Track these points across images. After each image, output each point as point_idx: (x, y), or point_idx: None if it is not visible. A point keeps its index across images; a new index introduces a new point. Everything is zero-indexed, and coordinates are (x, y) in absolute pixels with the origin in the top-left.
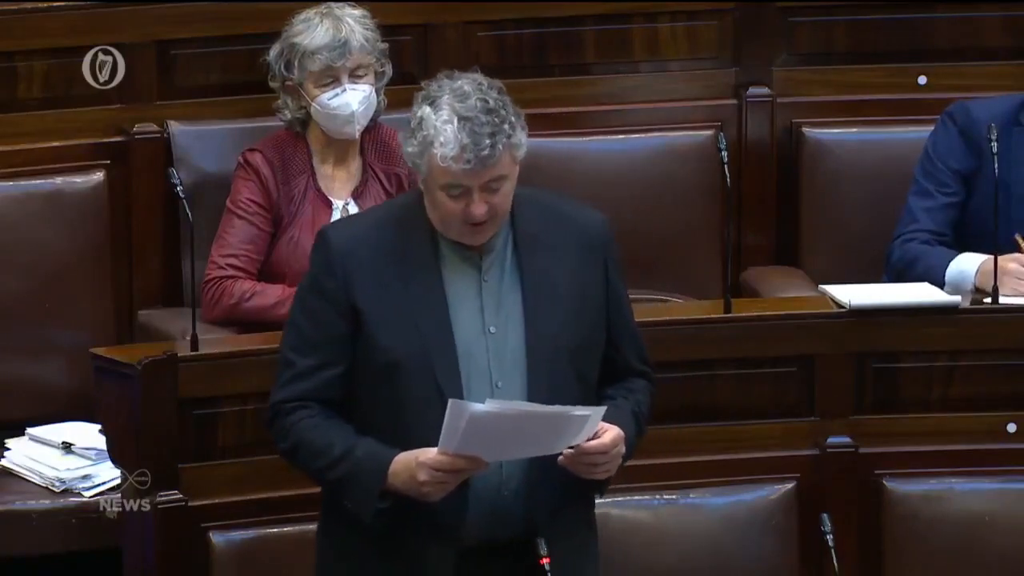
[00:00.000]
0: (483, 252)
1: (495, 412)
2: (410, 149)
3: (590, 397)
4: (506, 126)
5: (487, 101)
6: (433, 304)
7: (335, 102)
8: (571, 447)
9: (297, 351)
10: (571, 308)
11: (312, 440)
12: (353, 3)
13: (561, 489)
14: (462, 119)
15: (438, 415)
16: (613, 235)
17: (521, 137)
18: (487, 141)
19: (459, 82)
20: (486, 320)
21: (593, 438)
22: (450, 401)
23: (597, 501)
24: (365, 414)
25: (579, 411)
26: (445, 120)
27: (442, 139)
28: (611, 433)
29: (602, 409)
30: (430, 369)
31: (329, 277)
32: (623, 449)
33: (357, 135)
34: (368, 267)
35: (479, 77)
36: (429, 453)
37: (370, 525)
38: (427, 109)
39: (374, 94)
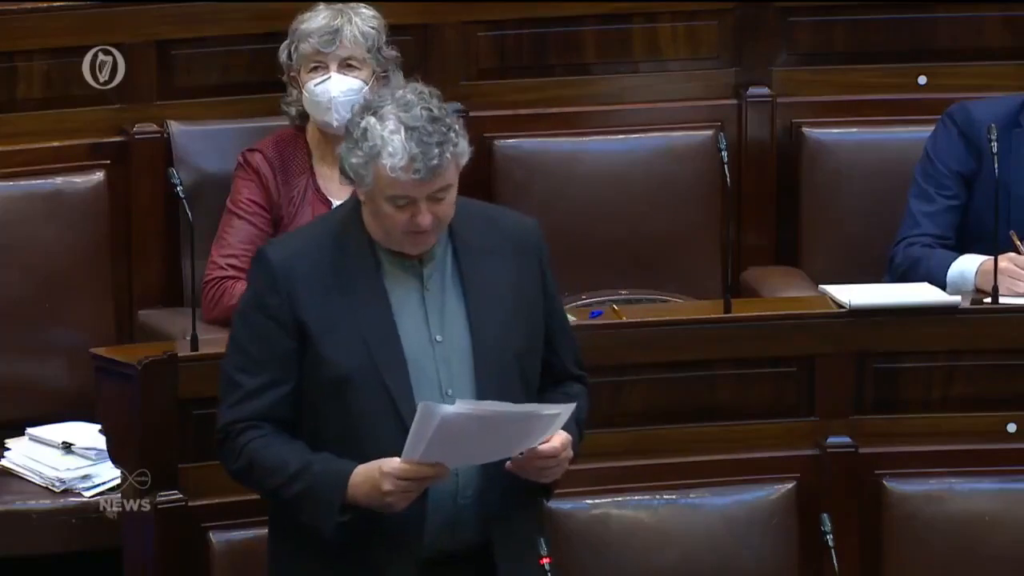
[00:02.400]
0: (423, 261)
1: (466, 413)
2: (353, 160)
3: (533, 401)
4: (451, 134)
5: (431, 110)
6: (378, 316)
7: (318, 88)
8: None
9: (243, 371)
10: (513, 312)
11: (265, 459)
12: (367, 4)
13: (512, 493)
14: (409, 129)
15: (391, 427)
16: (544, 239)
17: (464, 145)
18: (436, 151)
19: (400, 92)
20: (431, 329)
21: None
22: (420, 404)
23: (594, 503)
24: (316, 430)
25: (549, 409)
26: (392, 130)
27: (390, 149)
28: (560, 437)
29: (571, 406)
30: (380, 381)
31: (272, 295)
32: (571, 453)
33: (335, 124)
34: (310, 283)
35: (419, 86)
36: (393, 462)
37: (330, 540)
38: (371, 119)
39: (367, 91)
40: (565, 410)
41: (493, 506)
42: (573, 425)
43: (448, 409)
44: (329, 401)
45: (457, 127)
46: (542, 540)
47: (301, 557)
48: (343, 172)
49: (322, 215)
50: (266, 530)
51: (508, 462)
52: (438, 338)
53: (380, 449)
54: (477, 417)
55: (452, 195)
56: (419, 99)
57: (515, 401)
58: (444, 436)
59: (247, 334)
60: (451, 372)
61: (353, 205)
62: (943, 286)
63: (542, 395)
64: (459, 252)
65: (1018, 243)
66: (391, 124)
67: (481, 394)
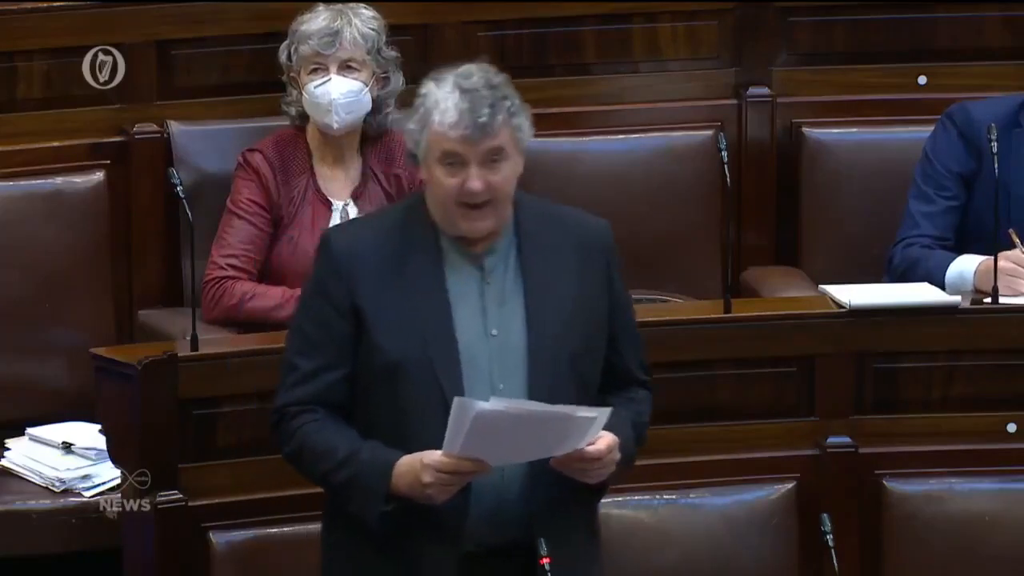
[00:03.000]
0: (486, 253)
1: (500, 410)
2: (411, 126)
3: (590, 403)
4: (507, 102)
5: (490, 79)
6: (435, 306)
7: (319, 90)
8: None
9: (301, 354)
10: (573, 311)
11: (316, 444)
12: (367, 4)
13: (561, 492)
14: (464, 91)
15: (440, 418)
16: (614, 241)
17: (523, 121)
18: (486, 110)
19: (466, 66)
20: (488, 322)
21: (590, 443)
22: (456, 399)
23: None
24: (368, 418)
25: (584, 412)
26: (448, 92)
27: (442, 107)
28: (606, 440)
29: (607, 411)
30: (432, 372)
31: (333, 280)
32: (617, 456)
33: (336, 126)
34: (372, 270)
35: (486, 66)
36: (434, 455)
37: (374, 529)
38: (431, 85)
39: (366, 93)
40: (602, 414)
41: (538, 503)
42: (630, 430)
43: (483, 405)
44: (381, 390)
45: (518, 101)
46: (542, 540)
47: (351, 545)
48: (406, 149)
49: (392, 203)
50: (266, 530)
51: (552, 459)
52: (493, 332)
53: (429, 439)
54: (512, 415)
55: (508, 168)
56: (480, 71)
57: (567, 401)
58: (480, 432)
59: (307, 317)
60: (504, 367)
61: (421, 195)
62: (942, 286)
63: (604, 397)
64: (524, 248)
65: (1016, 240)
66: (447, 87)
67: (533, 391)
